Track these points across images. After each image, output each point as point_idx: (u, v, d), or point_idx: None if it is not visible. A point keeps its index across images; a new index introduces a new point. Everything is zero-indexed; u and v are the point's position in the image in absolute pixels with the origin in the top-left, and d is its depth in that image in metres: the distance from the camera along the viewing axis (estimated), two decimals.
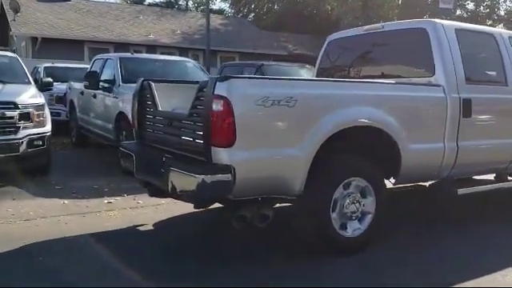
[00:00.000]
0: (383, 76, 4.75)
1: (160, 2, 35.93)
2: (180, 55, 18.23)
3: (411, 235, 4.45)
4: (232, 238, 4.28)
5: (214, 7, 36.87)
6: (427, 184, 4.95)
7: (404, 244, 4.20)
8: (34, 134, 6.45)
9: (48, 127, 6.72)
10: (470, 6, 27.24)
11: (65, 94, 10.81)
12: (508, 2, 27.83)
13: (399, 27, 4.84)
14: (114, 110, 7.52)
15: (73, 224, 4.71)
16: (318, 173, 3.61)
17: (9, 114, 6.26)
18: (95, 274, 3.50)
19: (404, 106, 4.12)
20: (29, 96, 6.70)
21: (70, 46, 19.20)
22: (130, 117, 6.87)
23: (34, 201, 5.54)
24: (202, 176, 3.27)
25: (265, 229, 3.77)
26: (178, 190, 3.57)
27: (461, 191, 4.45)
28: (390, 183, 4.32)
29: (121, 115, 7.28)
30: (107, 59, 8.76)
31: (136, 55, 9.38)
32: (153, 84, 4.44)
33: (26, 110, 6.40)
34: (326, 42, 5.67)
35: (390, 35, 4.89)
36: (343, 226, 3.85)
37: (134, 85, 7.33)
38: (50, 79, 7.94)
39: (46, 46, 18.70)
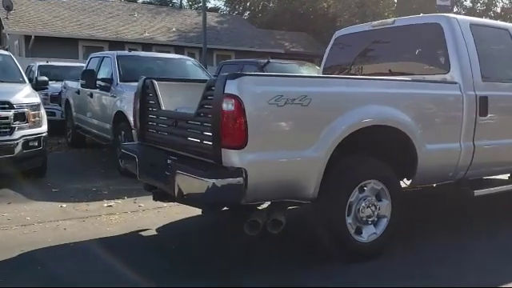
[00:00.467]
0: (394, 73, 4.56)
1: None
2: (176, 53, 17.96)
3: (427, 239, 4.27)
4: (239, 243, 4.07)
5: (209, 5, 36.52)
6: (434, 184, 4.78)
7: (422, 249, 4.02)
8: (30, 135, 6.24)
9: (44, 127, 6.50)
10: (467, 2, 27.23)
11: (60, 93, 10.58)
12: None
13: (411, 22, 4.65)
14: (112, 109, 7.30)
15: (72, 229, 4.50)
16: (333, 175, 3.43)
17: (3, 114, 6.04)
18: (101, 284, 3.29)
19: (420, 105, 3.94)
20: (24, 95, 6.47)
21: (64, 45, 18.91)
22: (129, 116, 6.70)
23: (31, 205, 5.33)
24: (213, 180, 3.08)
25: (273, 234, 3.57)
26: (185, 195, 3.37)
27: (477, 192, 4.28)
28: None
29: (119, 115, 7.07)
30: (104, 57, 8.52)
31: (134, 53, 9.20)
32: (156, 83, 4.23)
33: (21, 110, 6.18)
34: (333, 39, 5.47)
35: (401, 31, 4.70)
36: (358, 231, 3.67)
37: (132, 83, 7.21)
38: (45, 78, 7.71)
39: (39, 44, 18.40)
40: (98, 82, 7.81)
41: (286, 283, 3.33)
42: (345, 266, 3.57)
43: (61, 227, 4.55)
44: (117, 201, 5.55)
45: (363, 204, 3.64)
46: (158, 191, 4.01)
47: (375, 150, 3.79)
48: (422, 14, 4.82)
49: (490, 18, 26.09)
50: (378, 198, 3.75)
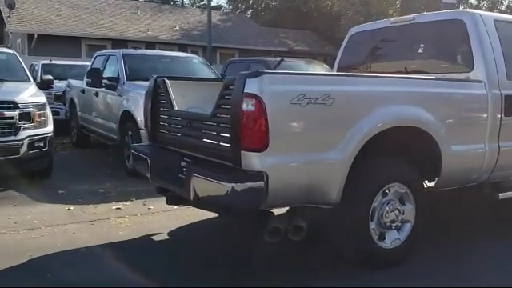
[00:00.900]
0: (414, 72, 4.40)
1: None
2: (179, 52, 17.82)
3: (451, 244, 4.11)
4: (256, 249, 3.90)
5: (212, 3, 36.33)
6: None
7: (448, 255, 3.86)
8: (35, 135, 6.08)
9: (50, 128, 6.35)
10: (473, 0, 26.99)
11: (64, 92, 10.42)
12: None
13: (432, 19, 4.48)
14: (119, 109, 7.14)
15: (81, 233, 4.35)
16: (355, 179, 3.26)
17: (8, 113, 5.89)
18: None
19: (445, 104, 3.77)
20: (29, 94, 6.31)
21: (67, 43, 18.78)
22: (136, 116, 6.55)
23: (37, 207, 5.18)
24: (232, 184, 2.92)
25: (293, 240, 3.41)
26: (201, 199, 3.22)
27: (503, 195, 4.12)
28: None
29: (126, 115, 6.92)
30: (109, 55, 8.37)
31: (140, 51, 8.99)
32: (168, 81, 4.07)
33: (26, 110, 6.02)
34: (348, 36, 5.30)
35: (421, 27, 4.53)
36: (381, 237, 3.51)
37: (139, 82, 7.10)
38: (50, 77, 7.53)
39: (42, 42, 18.27)
40: (104, 81, 7.65)
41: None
42: (368, 272, 3.41)
43: (69, 231, 4.40)
44: (125, 203, 5.39)
45: (386, 208, 3.49)
46: (172, 194, 3.86)
47: (398, 152, 3.63)
48: (442, 11, 4.66)
49: None
50: (402, 202, 3.59)
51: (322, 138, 3.14)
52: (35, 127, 6.10)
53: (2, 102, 5.89)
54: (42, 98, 6.40)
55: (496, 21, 4.22)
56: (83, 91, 8.79)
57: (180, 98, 4.08)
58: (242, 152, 3.00)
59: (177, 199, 3.83)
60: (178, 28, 22.99)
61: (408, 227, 3.61)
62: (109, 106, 7.69)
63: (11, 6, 18.89)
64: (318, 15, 28.90)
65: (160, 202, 5.05)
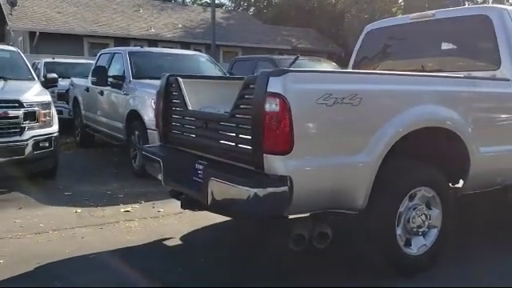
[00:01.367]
0: (436, 70, 4.23)
1: None
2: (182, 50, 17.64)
3: (480, 250, 3.94)
4: (273, 256, 3.75)
5: (214, 1, 36.14)
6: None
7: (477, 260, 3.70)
8: (41, 135, 5.92)
9: (55, 127, 6.19)
10: None
11: (67, 90, 10.25)
12: None
13: (455, 15, 4.31)
14: (125, 108, 6.97)
15: (90, 238, 4.17)
16: (382, 183, 3.09)
17: (12, 113, 5.72)
18: None
19: (473, 104, 3.60)
20: (34, 93, 6.15)
21: (69, 41, 18.63)
22: (143, 116, 6.38)
23: (43, 210, 5.01)
24: (254, 189, 2.74)
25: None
26: (219, 204, 3.05)
27: None
28: None
29: (132, 114, 6.74)
30: (114, 53, 8.19)
31: (146, 49, 8.80)
32: (181, 80, 3.90)
33: (31, 109, 5.86)
34: (364, 33, 5.12)
35: (443, 24, 4.36)
36: (407, 243, 3.33)
37: (145, 81, 6.93)
38: (55, 75, 7.35)
39: (44, 40, 18.09)
40: (110, 80, 7.47)
41: None
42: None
43: (78, 235, 4.23)
44: (134, 205, 5.22)
45: (413, 213, 3.31)
46: (187, 198, 3.68)
47: (424, 154, 3.45)
48: (467, 6, 4.47)
49: None
50: (428, 207, 3.42)
51: (349, 140, 2.97)
52: (40, 127, 5.94)
53: (7, 101, 5.73)
54: (47, 97, 6.24)
55: None
56: (87, 90, 8.62)
57: (193, 97, 3.91)
58: (264, 155, 2.82)
59: (192, 203, 3.66)
60: (180, 26, 22.80)
61: (435, 233, 3.43)
62: (115, 105, 7.51)
63: (13, 4, 18.72)
64: (322, 13, 28.70)
65: (169, 205, 4.91)
